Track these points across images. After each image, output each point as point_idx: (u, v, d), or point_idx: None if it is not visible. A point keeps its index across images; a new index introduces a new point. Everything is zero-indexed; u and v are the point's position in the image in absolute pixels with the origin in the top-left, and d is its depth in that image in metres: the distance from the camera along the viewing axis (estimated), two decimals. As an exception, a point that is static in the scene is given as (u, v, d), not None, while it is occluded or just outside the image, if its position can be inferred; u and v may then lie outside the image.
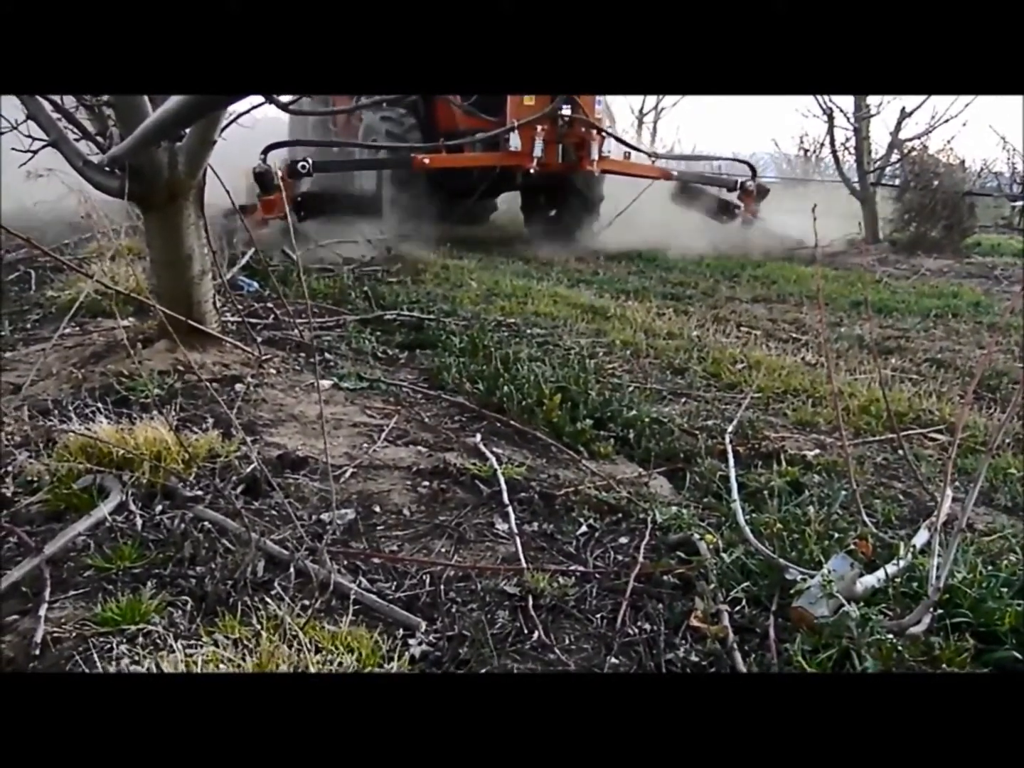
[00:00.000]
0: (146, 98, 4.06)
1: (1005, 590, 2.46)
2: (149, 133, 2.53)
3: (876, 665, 2.10)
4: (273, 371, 4.43)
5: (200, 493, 2.83)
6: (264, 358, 4.52)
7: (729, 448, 3.60)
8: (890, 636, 2.19)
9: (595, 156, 10.89)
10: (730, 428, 3.85)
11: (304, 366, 4.65)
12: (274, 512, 2.80)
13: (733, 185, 12.06)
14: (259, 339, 4.82)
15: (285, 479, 3.01)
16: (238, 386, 4.03)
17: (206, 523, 2.62)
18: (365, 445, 3.51)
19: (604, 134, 11.00)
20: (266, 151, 9.50)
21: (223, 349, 4.49)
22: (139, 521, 2.61)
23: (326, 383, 4.34)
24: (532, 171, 10.74)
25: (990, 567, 2.65)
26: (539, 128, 10.46)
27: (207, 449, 3.09)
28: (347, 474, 3.16)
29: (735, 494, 3.05)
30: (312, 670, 1.77)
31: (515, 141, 10.56)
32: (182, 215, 4.29)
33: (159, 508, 2.72)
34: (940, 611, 2.35)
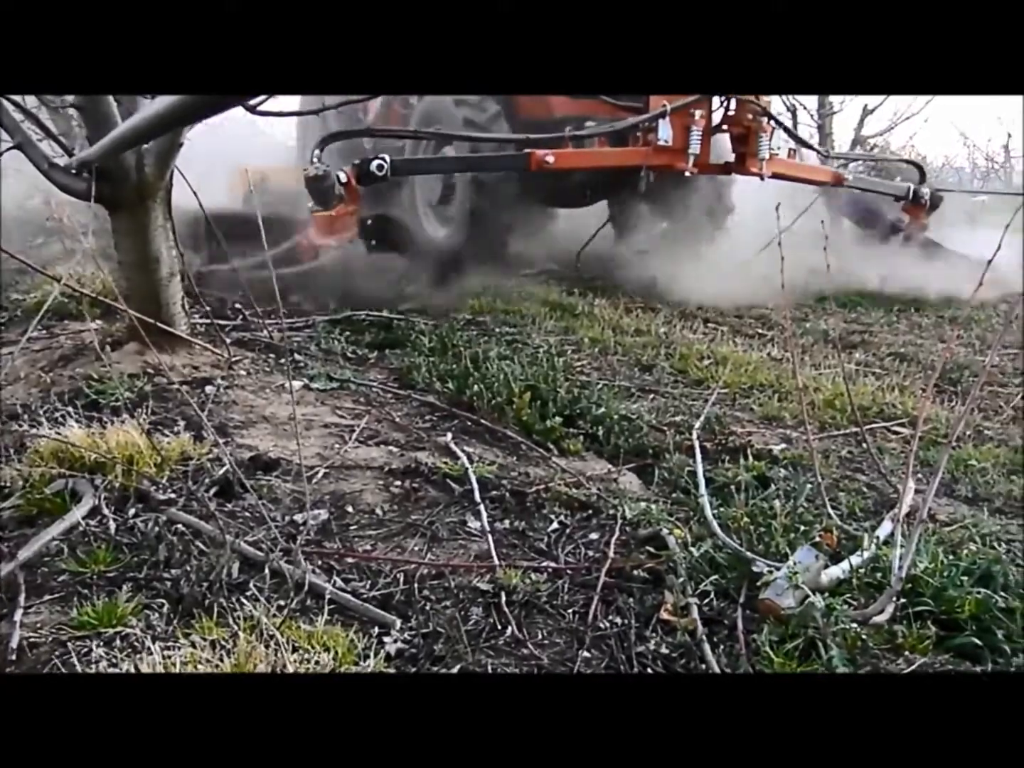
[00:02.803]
0: (112, 101, 4.06)
1: (965, 579, 2.52)
2: (127, 138, 2.53)
3: (842, 654, 2.15)
4: (243, 372, 4.43)
5: (173, 496, 2.84)
6: (234, 359, 4.52)
7: (697, 444, 3.65)
8: (855, 625, 2.25)
9: (765, 154, 7.66)
10: (697, 424, 3.90)
11: (274, 367, 4.66)
12: (247, 514, 2.82)
13: (906, 193, 8.91)
14: (228, 340, 4.82)
15: (257, 480, 3.02)
16: (208, 388, 4.03)
17: (179, 526, 2.63)
18: (337, 445, 3.53)
19: (776, 125, 7.85)
20: (322, 144, 6.69)
21: (192, 351, 4.49)
22: (112, 525, 2.61)
23: (296, 384, 4.35)
24: (689, 173, 7.66)
25: (951, 556, 2.72)
26: (697, 115, 7.44)
27: (179, 452, 3.10)
28: (319, 475, 3.18)
29: (703, 489, 3.10)
30: (290, 669, 1.80)
31: (665, 132, 7.44)
32: (150, 217, 4.28)
33: (132, 511, 2.73)
34: (903, 600, 2.41)
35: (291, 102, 8.35)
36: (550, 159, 7.03)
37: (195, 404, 3.66)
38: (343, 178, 6.43)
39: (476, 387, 4.25)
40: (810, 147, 9.44)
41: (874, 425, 4.35)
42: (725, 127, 7.85)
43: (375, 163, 6.51)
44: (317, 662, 1.87)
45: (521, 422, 3.96)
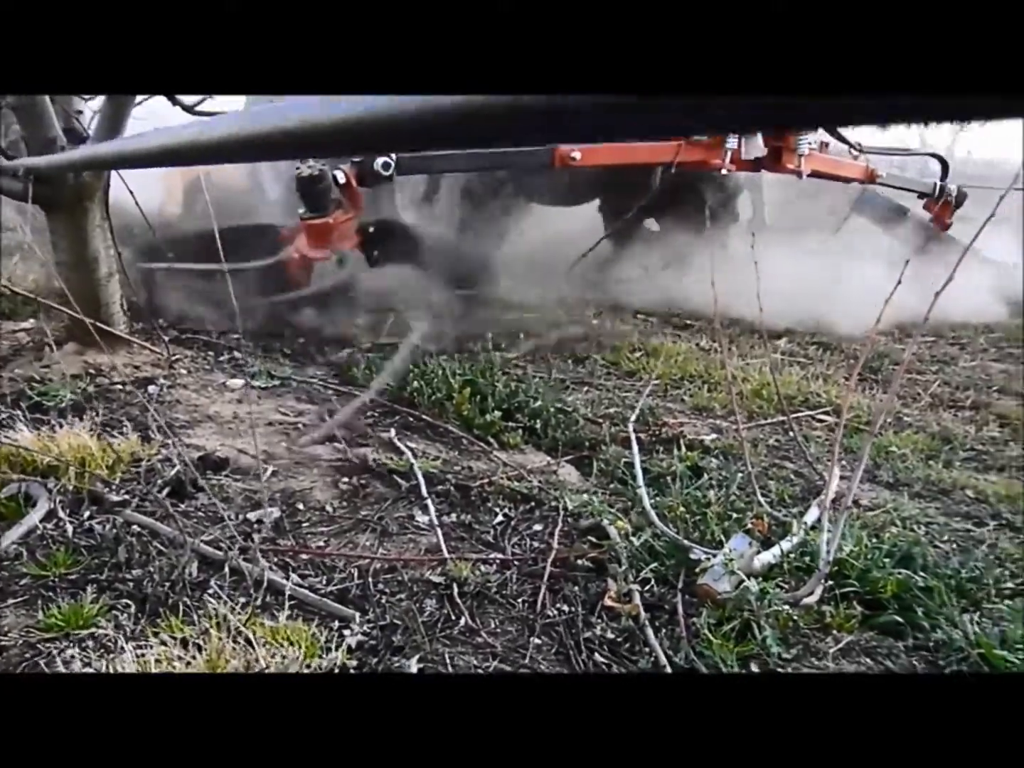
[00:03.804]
0: (48, 101, 4.06)
1: (888, 560, 2.69)
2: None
3: (775, 634, 2.30)
4: (184, 371, 4.47)
5: (127, 497, 2.89)
6: (174, 358, 4.55)
7: (632, 435, 3.79)
8: (786, 607, 2.40)
9: (804, 150, 6.90)
10: (633, 416, 4.03)
11: (214, 365, 4.70)
12: (201, 513, 2.88)
13: (932, 189, 8.09)
14: (166, 338, 4.84)
15: (208, 480, 3.09)
16: (151, 388, 4.07)
17: (136, 527, 2.69)
18: (283, 443, 3.60)
19: None
20: None
21: (132, 350, 4.51)
22: (69, 528, 2.66)
23: (238, 382, 4.40)
24: (726, 171, 6.94)
25: (874, 540, 2.89)
26: None
27: (130, 453, 3.15)
28: (268, 473, 3.25)
29: (640, 480, 3.23)
30: (262, 664, 1.88)
31: None
32: (87, 217, 4.30)
33: (87, 514, 2.78)
34: (830, 582, 2.57)
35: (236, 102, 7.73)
36: (576, 155, 6.12)
37: (139, 404, 3.72)
38: (341, 179, 5.45)
39: (416, 383, 4.33)
40: (845, 141, 8.23)
41: (800, 414, 4.52)
42: None
43: (380, 161, 5.43)
44: (284, 656, 1.96)
45: (461, 417, 4.05)
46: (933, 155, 9.20)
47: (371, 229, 5.64)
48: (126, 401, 3.88)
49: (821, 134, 7.29)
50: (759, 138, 6.90)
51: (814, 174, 7.20)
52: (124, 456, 3.09)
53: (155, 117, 4.83)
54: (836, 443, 2.82)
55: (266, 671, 1.89)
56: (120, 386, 4.03)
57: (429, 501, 3.06)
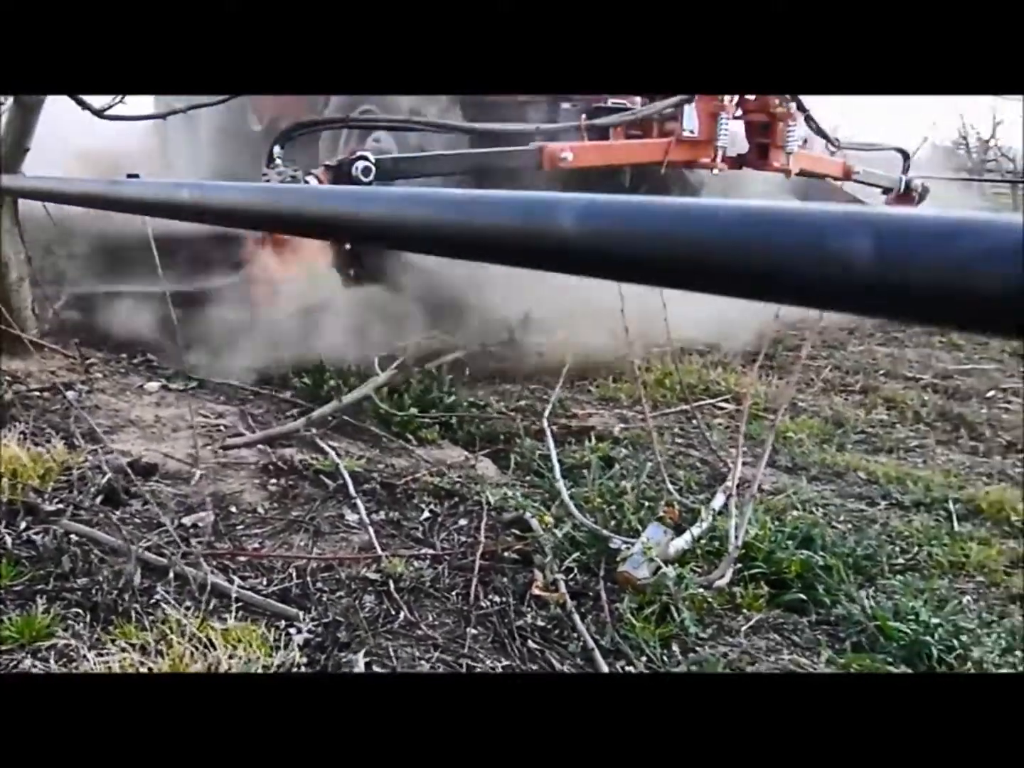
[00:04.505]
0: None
1: (790, 542, 2.91)
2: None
3: (692, 616, 2.49)
4: (100, 375, 4.49)
5: (61, 506, 2.94)
6: (88, 362, 4.57)
7: (547, 428, 3.95)
8: (701, 590, 2.60)
9: (793, 147, 6.49)
10: (547, 409, 4.20)
11: (129, 368, 4.72)
12: (137, 520, 2.95)
13: (896, 184, 7.58)
14: (76, 341, 4.83)
15: (139, 486, 3.15)
16: (70, 394, 4.08)
17: (75, 536, 2.75)
18: (208, 447, 3.67)
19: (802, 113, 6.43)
20: (285, 138, 4.66)
21: (46, 356, 4.51)
22: (8, 539, 2.71)
23: (155, 384, 4.44)
24: (717, 171, 6.39)
25: (777, 523, 3.11)
26: (727, 100, 6.06)
27: (61, 462, 3.19)
28: (197, 477, 3.33)
29: (558, 473, 3.40)
30: (224, 666, 1.99)
31: (690, 122, 6.05)
32: (-3, 223, 4.28)
33: (23, 525, 2.83)
34: (739, 565, 2.77)
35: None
36: (567, 155, 5.37)
37: (59, 411, 3.75)
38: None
39: (332, 381, 4.42)
40: (826, 137, 7.76)
41: (702, 402, 4.75)
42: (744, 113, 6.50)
43: (359, 164, 4.44)
44: (242, 657, 2.07)
45: (379, 415, 4.16)
46: (897, 149, 8.94)
47: (348, 246, 4.61)
48: (45, 408, 3.90)
49: (804, 130, 6.88)
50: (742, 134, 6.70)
51: (804, 173, 6.77)
52: (55, 465, 3.14)
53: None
54: (740, 432, 3.04)
55: (230, 672, 1.99)
56: (37, 393, 4.05)
57: (358, 500, 3.18)
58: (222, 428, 3.94)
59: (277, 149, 4.52)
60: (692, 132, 6.05)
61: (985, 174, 18.79)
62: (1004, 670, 2.15)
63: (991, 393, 5.37)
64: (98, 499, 3.01)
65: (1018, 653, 2.36)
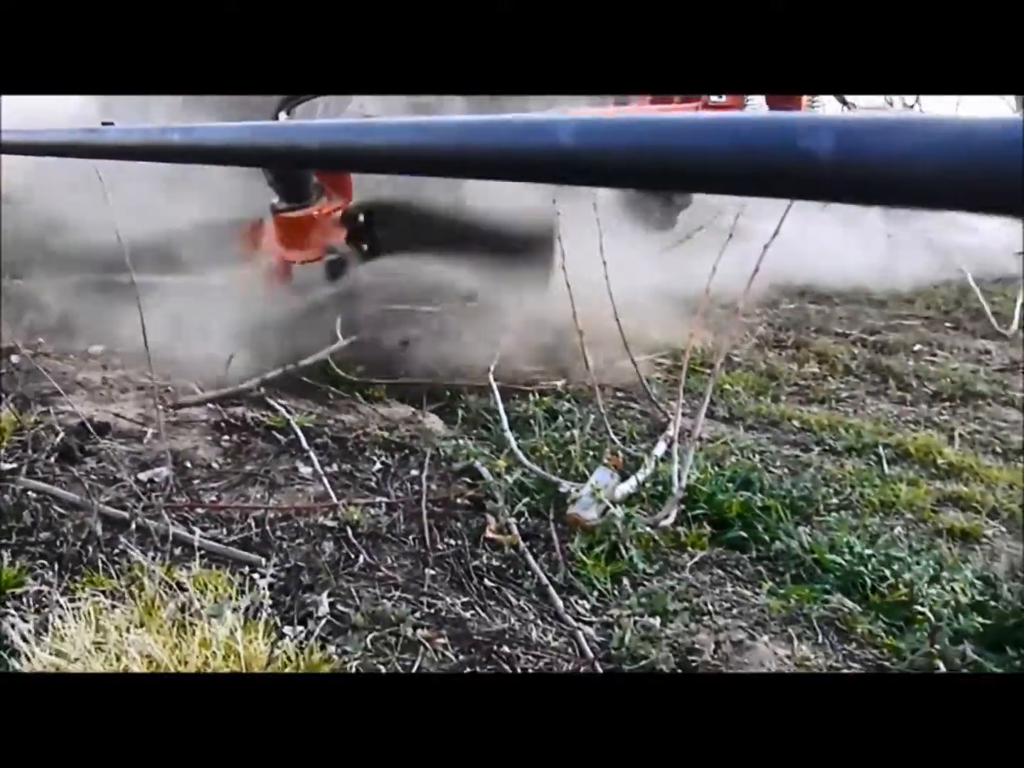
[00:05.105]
0: None
1: (730, 485, 3.04)
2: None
3: (639, 553, 2.61)
4: (41, 339, 4.47)
5: (15, 465, 2.97)
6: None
7: (493, 383, 4.04)
8: (648, 529, 2.72)
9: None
10: (492, 365, 4.28)
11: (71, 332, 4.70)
12: (93, 477, 2.99)
13: None
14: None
15: (95, 444, 3.18)
16: (15, 358, 4.08)
17: (32, 493, 2.79)
18: (160, 406, 3.70)
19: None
20: (290, 104, 4.31)
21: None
22: (-34, 497, 2.74)
23: (99, 347, 4.43)
24: None
25: (716, 468, 3.24)
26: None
27: (13, 423, 3.21)
28: (149, 435, 3.37)
29: (505, 424, 3.49)
30: (196, 606, 2.05)
31: None
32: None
33: (-20, 483, 2.85)
34: (683, 507, 2.90)
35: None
36: None
37: (5, 376, 3.75)
38: None
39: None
40: (844, 102, 8.30)
41: (640, 357, 4.86)
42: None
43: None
44: (208, 597, 2.14)
45: (327, 373, 4.21)
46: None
47: (361, 218, 4.33)
48: (-10, 372, 3.90)
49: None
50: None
51: None
52: (7, 426, 3.16)
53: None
54: (680, 385, 3.17)
55: (231, 672, 1.99)
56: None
57: (312, 453, 3.25)
58: (170, 389, 3.96)
59: (283, 115, 4.26)
60: (720, 98, 6.19)
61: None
62: (1002, 670, 2.15)
63: (917, 347, 5.58)
64: (53, 457, 3.04)
65: (945, 575, 2.52)
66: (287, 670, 1.95)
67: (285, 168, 3.85)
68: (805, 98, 6.71)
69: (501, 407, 3.68)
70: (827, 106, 7.18)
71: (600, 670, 2.13)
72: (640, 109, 5.81)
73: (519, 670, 2.14)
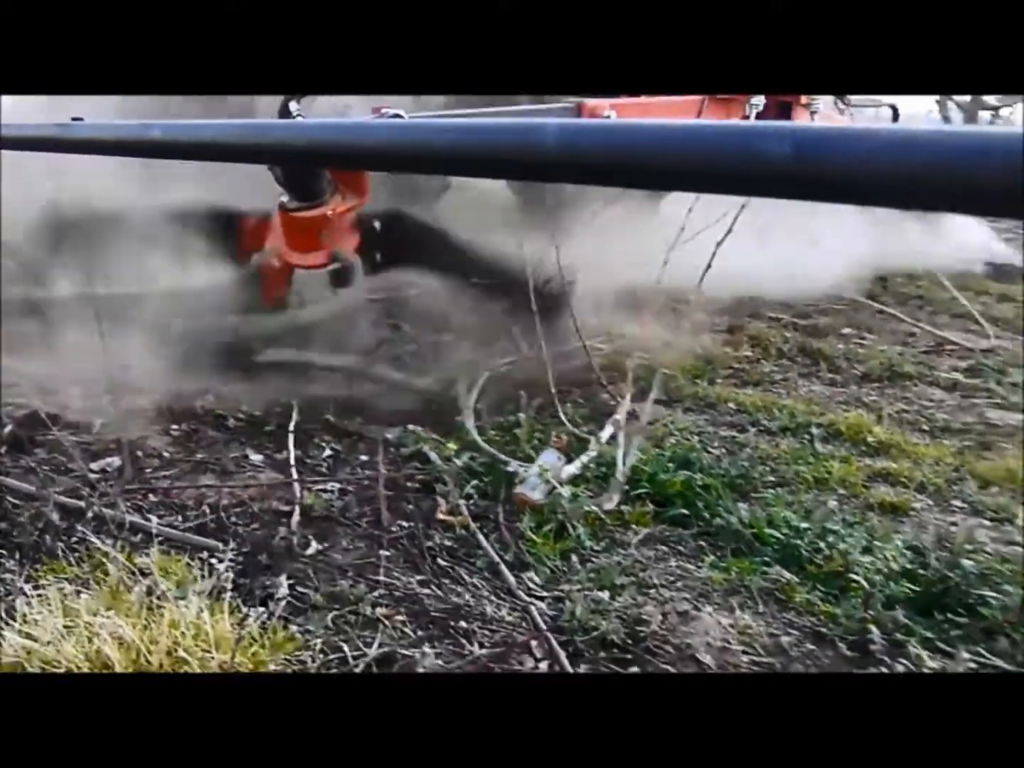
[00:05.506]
0: None
1: (671, 465, 3.15)
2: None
3: (586, 531, 2.71)
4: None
5: (-36, 457, 2.98)
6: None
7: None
8: (594, 508, 2.82)
9: (818, 107, 6.98)
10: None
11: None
12: (45, 468, 3.01)
13: None
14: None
15: (44, 435, 3.20)
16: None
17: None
18: (107, 397, 3.71)
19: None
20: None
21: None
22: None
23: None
24: None
25: (657, 449, 3.35)
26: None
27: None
28: (97, 426, 3.38)
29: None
30: (163, 588, 2.09)
31: None
32: None
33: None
34: (627, 487, 3.00)
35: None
36: (611, 113, 4.86)
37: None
38: None
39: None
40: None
41: (589, 342, 4.96)
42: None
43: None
44: (171, 581, 2.19)
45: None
46: (889, 105, 9.48)
47: (375, 224, 3.98)
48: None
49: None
50: None
51: None
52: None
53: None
54: (630, 372, 3.27)
55: (229, 672, 2.03)
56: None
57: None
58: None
59: (294, 105, 3.74)
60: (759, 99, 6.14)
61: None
62: (1003, 670, 2.16)
63: (847, 330, 5.75)
64: (2, 449, 3.05)
65: (876, 545, 2.65)
66: (253, 649, 2.01)
67: (295, 165, 3.44)
68: (804, 98, 6.84)
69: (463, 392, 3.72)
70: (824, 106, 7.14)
71: (554, 642, 2.21)
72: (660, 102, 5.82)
73: (476, 644, 2.22)
